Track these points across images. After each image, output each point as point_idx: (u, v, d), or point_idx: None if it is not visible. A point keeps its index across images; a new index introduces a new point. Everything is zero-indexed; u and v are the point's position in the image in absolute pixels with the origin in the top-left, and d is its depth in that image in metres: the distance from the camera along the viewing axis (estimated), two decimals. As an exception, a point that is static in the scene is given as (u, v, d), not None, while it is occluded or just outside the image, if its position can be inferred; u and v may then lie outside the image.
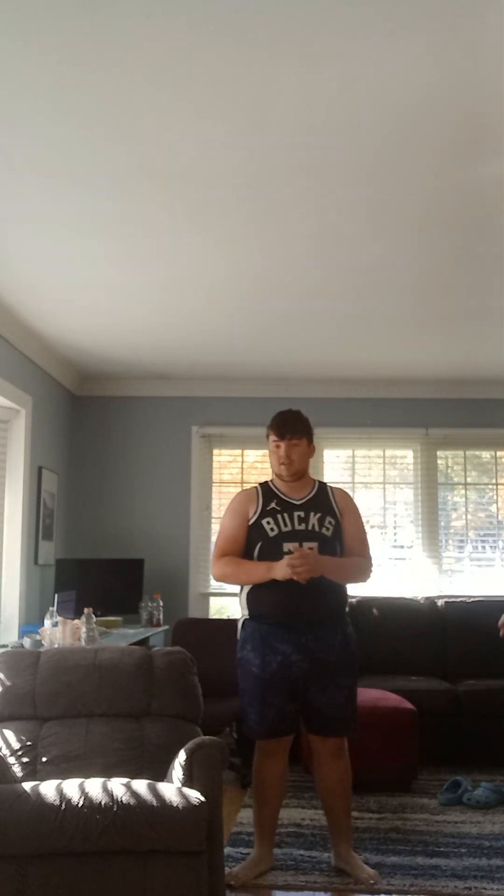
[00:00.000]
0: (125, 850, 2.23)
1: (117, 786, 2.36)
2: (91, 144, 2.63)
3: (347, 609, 3.15)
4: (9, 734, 2.80)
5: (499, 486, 5.88)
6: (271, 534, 3.05)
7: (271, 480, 3.23)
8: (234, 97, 2.37)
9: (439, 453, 5.88)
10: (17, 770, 2.70)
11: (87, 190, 2.94)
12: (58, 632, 3.69)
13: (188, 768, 2.46)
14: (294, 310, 4.30)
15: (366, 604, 5.19)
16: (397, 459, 5.94)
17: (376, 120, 2.48)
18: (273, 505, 3.11)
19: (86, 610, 3.72)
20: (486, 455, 5.94)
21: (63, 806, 2.25)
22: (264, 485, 3.22)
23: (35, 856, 2.20)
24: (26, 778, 2.67)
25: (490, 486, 5.91)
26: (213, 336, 4.78)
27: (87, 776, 2.51)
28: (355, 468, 5.87)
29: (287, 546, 3.00)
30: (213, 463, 5.89)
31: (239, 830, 3.53)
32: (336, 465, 5.89)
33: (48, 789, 2.32)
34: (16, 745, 2.77)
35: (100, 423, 5.86)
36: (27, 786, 2.36)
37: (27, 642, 3.80)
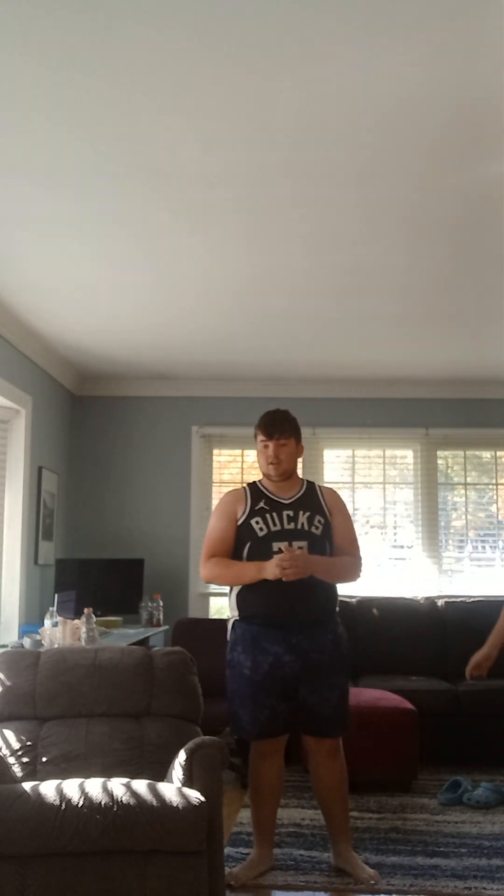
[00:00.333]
0: (125, 850, 2.23)
1: (117, 786, 2.36)
2: (91, 145, 2.64)
3: (338, 608, 3.15)
4: (9, 734, 2.80)
5: (499, 486, 5.88)
6: (260, 534, 3.04)
7: (259, 480, 3.23)
8: (231, 99, 2.37)
9: (439, 453, 5.88)
10: (17, 770, 2.70)
11: (86, 190, 2.94)
12: (58, 632, 3.69)
13: (188, 768, 2.46)
14: (293, 310, 4.30)
15: (366, 604, 5.19)
16: (397, 459, 5.94)
17: (373, 121, 2.48)
18: (262, 504, 3.10)
19: (86, 610, 3.73)
20: (486, 455, 5.94)
21: (63, 806, 2.25)
22: (252, 485, 3.22)
23: (35, 856, 2.20)
24: (26, 778, 2.67)
25: (490, 486, 5.91)
26: (213, 336, 4.78)
27: (87, 776, 2.51)
28: (355, 468, 5.87)
29: (276, 545, 2.99)
30: (213, 463, 5.89)
31: (239, 830, 3.53)
32: (336, 465, 5.89)
33: (48, 789, 2.32)
34: (16, 745, 2.77)
35: (100, 423, 5.86)
36: (27, 786, 2.36)
37: (27, 642, 3.80)
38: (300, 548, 2.98)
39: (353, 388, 5.81)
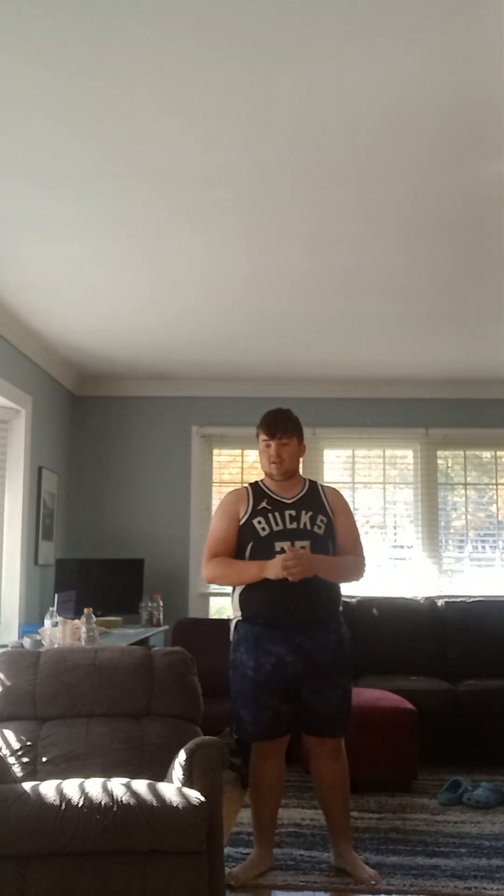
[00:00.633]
0: (125, 850, 2.23)
1: (117, 786, 2.36)
2: (91, 145, 2.64)
3: (341, 608, 3.15)
4: (9, 734, 2.80)
5: (499, 486, 5.88)
6: (263, 533, 3.03)
7: (261, 480, 3.23)
8: (231, 99, 2.37)
9: (439, 453, 5.88)
10: (17, 770, 2.70)
11: (87, 190, 2.94)
12: (58, 632, 3.69)
13: (188, 768, 2.46)
14: (293, 310, 4.30)
15: (366, 604, 5.19)
16: (397, 459, 5.94)
17: (373, 121, 2.48)
18: (264, 504, 3.10)
19: (86, 610, 3.73)
20: (486, 455, 5.94)
21: (63, 806, 2.25)
22: (254, 484, 3.22)
23: (35, 856, 2.20)
24: (26, 778, 2.67)
25: (490, 486, 5.91)
26: (213, 336, 4.79)
27: (87, 776, 2.51)
28: (355, 468, 5.87)
29: (279, 545, 2.98)
30: (213, 463, 5.89)
31: (239, 830, 3.53)
32: (336, 465, 5.89)
33: (48, 789, 2.32)
34: (16, 745, 2.77)
35: (100, 423, 5.86)
36: (27, 786, 2.36)
37: (27, 642, 3.80)
38: (303, 547, 2.97)
39: (353, 388, 5.81)
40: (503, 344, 4.84)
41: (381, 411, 5.82)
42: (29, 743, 2.79)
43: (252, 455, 5.91)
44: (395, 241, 3.39)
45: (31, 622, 4.60)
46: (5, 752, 2.74)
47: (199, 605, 5.65)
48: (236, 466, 5.95)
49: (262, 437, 3.17)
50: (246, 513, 3.09)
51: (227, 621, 4.96)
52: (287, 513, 3.06)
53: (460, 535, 5.85)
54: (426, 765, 4.38)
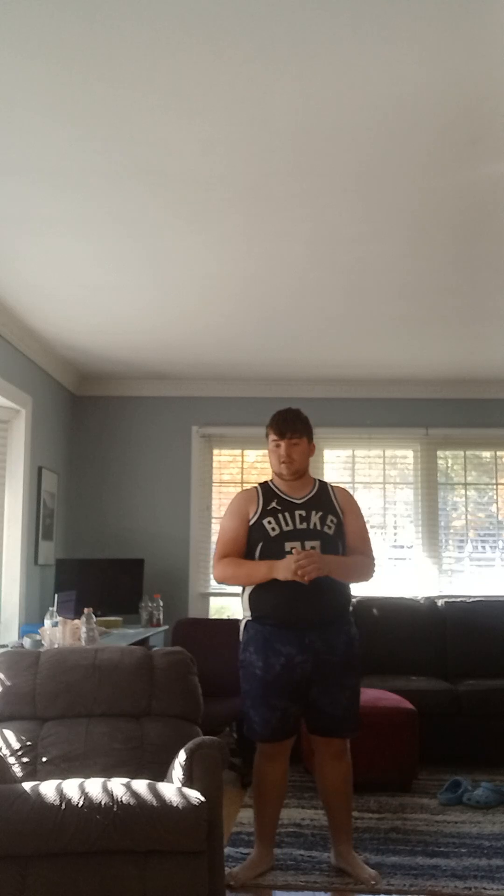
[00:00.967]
0: (125, 850, 2.24)
1: (117, 786, 2.36)
2: (90, 145, 2.64)
3: (351, 608, 3.14)
4: (9, 734, 2.81)
5: (499, 486, 5.88)
6: (273, 533, 3.03)
7: (271, 480, 3.22)
8: (230, 98, 2.37)
9: (439, 453, 5.88)
10: (17, 770, 2.70)
11: (86, 190, 2.94)
12: (58, 632, 3.69)
13: (188, 768, 2.46)
14: (292, 310, 4.30)
15: (366, 604, 5.19)
16: (397, 459, 5.94)
17: (373, 120, 2.48)
18: (274, 504, 3.09)
19: (86, 610, 3.73)
20: (486, 455, 5.94)
21: (63, 806, 2.25)
22: (264, 485, 3.21)
23: (35, 856, 2.21)
24: (26, 778, 2.67)
25: (490, 486, 5.91)
26: (213, 336, 4.78)
27: (87, 776, 2.51)
28: (355, 468, 5.87)
29: (289, 545, 2.98)
30: (213, 463, 5.89)
31: (239, 830, 3.53)
32: (336, 465, 5.89)
33: (48, 789, 2.32)
34: (16, 745, 2.77)
35: (100, 423, 5.86)
36: (27, 786, 2.36)
37: (27, 642, 3.80)
38: (312, 548, 2.97)
39: (353, 388, 5.81)
40: (503, 344, 4.84)
41: (381, 411, 5.82)
42: (29, 743, 2.79)
43: (252, 455, 5.91)
44: (396, 241, 3.39)
45: (31, 622, 4.60)
46: (5, 752, 2.74)
47: (199, 605, 5.65)
48: (236, 466, 5.95)
49: (272, 436, 3.16)
50: (256, 513, 3.08)
51: (228, 621, 5.00)
52: (297, 513, 3.06)
53: (460, 535, 5.85)
54: (426, 765, 4.38)
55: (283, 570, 2.90)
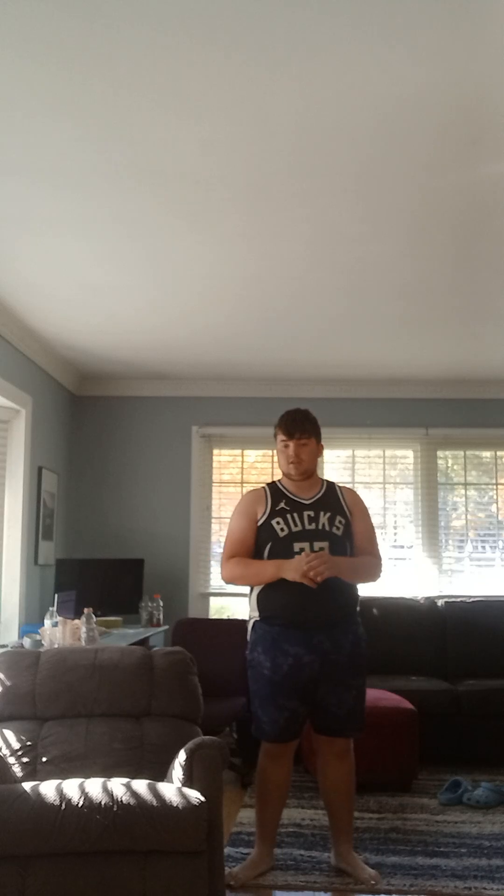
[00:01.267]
0: (125, 850, 2.24)
1: (117, 786, 2.36)
2: (89, 145, 2.64)
3: (358, 609, 3.14)
4: (9, 734, 2.81)
5: (499, 486, 5.88)
6: (281, 534, 3.03)
7: (279, 480, 3.22)
8: (230, 98, 2.37)
9: (439, 453, 5.88)
10: (17, 770, 2.70)
11: (86, 190, 2.94)
12: (58, 632, 3.69)
13: (188, 768, 2.46)
14: (292, 310, 4.30)
15: (366, 604, 5.18)
16: (397, 459, 5.94)
17: (373, 120, 2.48)
18: (282, 505, 3.09)
19: (86, 610, 3.73)
20: (486, 455, 5.94)
21: (63, 806, 2.25)
22: (272, 485, 3.21)
23: (35, 856, 2.21)
24: (26, 778, 2.67)
25: (490, 486, 5.91)
26: (213, 336, 4.78)
27: (87, 776, 2.51)
28: (355, 468, 5.87)
29: (298, 546, 2.98)
30: (213, 463, 5.89)
31: (239, 830, 3.53)
32: (336, 465, 5.89)
33: (48, 789, 2.32)
34: (16, 745, 2.77)
35: (100, 423, 5.86)
36: (27, 786, 2.36)
37: (27, 642, 3.80)
38: (321, 548, 2.97)
39: (353, 388, 5.81)
40: (503, 344, 4.84)
41: (381, 411, 5.82)
42: (29, 743, 2.79)
43: (252, 455, 5.92)
44: (396, 240, 3.39)
45: (31, 622, 4.60)
46: (5, 752, 2.74)
47: (199, 605, 5.65)
48: (236, 466, 5.95)
49: (281, 437, 3.16)
50: (264, 513, 3.08)
51: (228, 621, 5.00)
52: (306, 513, 3.06)
53: (460, 535, 5.85)
54: (426, 765, 4.38)
55: (291, 570, 2.90)
